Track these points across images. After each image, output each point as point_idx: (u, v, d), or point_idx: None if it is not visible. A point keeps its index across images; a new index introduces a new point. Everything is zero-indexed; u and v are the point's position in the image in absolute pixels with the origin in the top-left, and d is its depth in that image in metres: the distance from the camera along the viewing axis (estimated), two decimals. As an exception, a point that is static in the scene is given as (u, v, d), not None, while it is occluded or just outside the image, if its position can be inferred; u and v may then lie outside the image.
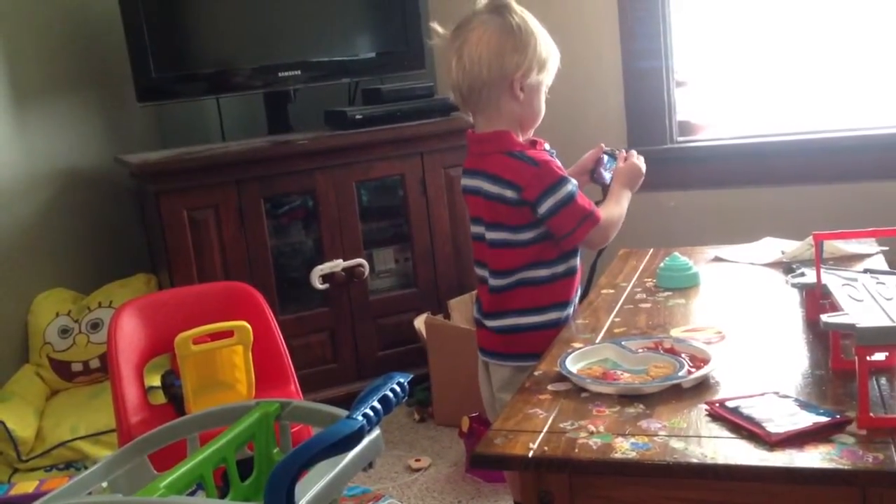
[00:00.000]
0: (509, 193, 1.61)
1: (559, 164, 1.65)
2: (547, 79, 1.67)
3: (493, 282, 1.69)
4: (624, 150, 1.82)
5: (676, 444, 1.08)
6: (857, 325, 1.09)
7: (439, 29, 1.69)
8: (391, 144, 2.84)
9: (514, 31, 1.60)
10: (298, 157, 2.74)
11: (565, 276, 1.68)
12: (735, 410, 1.14)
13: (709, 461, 1.04)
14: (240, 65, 2.91)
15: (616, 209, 1.72)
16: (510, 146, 1.64)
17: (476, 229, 1.72)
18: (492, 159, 1.64)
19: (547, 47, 1.64)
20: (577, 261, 1.71)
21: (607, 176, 1.79)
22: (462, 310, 2.79)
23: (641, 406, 1.20)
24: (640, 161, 1.80)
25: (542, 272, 1.65)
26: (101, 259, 2.99)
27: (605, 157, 1.81)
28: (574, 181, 1.64)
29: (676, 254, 1.85)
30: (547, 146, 1.70)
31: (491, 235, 1.67)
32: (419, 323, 2.81)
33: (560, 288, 1.67)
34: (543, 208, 1.60)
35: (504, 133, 1.64)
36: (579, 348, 1.42)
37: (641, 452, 1.07)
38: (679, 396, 1.22)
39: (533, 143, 1.68)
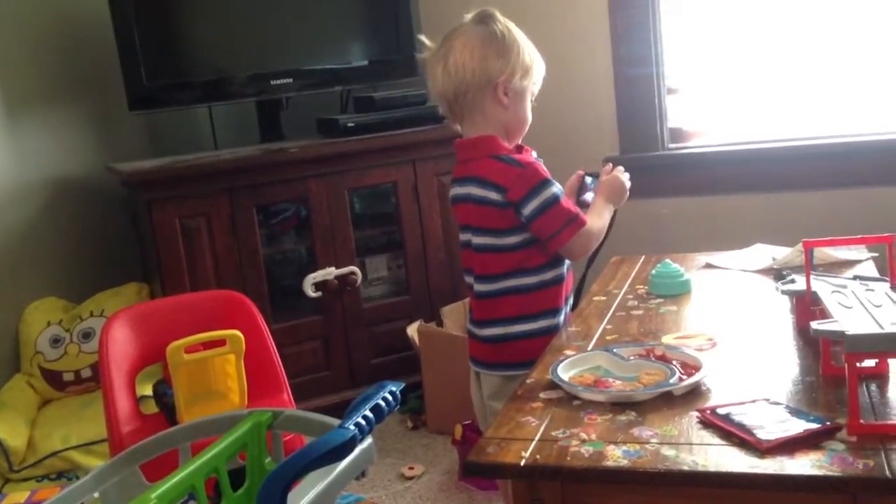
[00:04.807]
0: (494, 195, 1.63)
1: (545, 168, 1.66)
2: (532, 87, 1.69)
3: (478, 287, 1.70)
4: (609, 165, 1.82)
5: (668, 451, 1.09)
6: (847, 333, 1.09)
7: (427, 42, 1.72)
8: (384, 152, 2.85)
9: (497, 37, 1.65)
10: (291, 165, 2.74)
11: (553, 284, 1.68)
12: (726, 417, 1.14)
13: (700, 468, 1.04)
14: (232, 73, 2.91)
15: (598, 221, 1.71)
16: (497, 150, 1.65)
17: (464, 237, 1.73)
18: (479, 164, 1.66)
19: (531, 55, 1.68)
20: (565, 269, 1.71)
21: (590, 196, 1.78)
22: (455, 317, 2.79)
23: (633, 413, 1.20)
24: (623, 176, 1.79)
25: (530, 280, 1.66)
26: (92, 268, 2.98)
27: (589, 180, 1.80)
28: (559, 185, 1.65)
29: (668, 260, 1.85)
30: (534, 154, 1.70)
31: (477, 240, 1.68)
32: (412, 330, 2.81)
33: (548, 296, 1.68)
34: (528, 210, 1.61)
35: (490, 137, 1.66)
36: (571, 356, 1.42)
37: (633, 460, 1.07)
38: (670, 404, 1.23)
39: (519, 149, 1.70)
